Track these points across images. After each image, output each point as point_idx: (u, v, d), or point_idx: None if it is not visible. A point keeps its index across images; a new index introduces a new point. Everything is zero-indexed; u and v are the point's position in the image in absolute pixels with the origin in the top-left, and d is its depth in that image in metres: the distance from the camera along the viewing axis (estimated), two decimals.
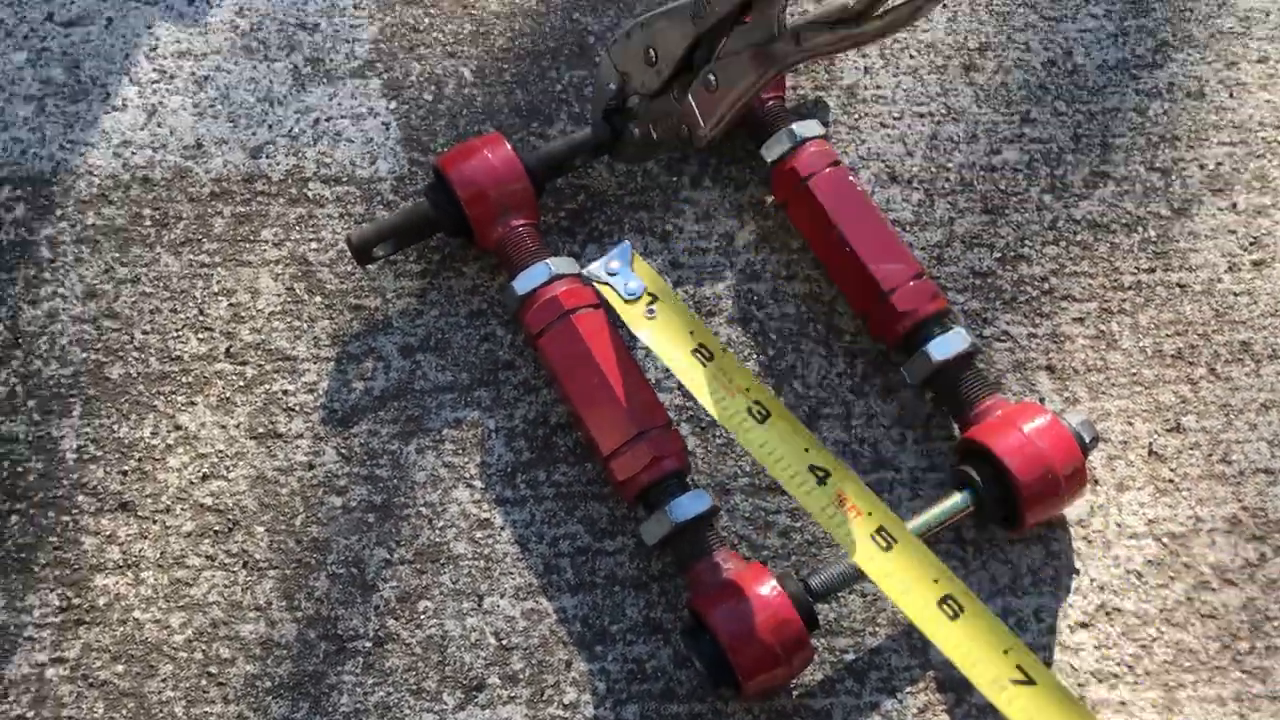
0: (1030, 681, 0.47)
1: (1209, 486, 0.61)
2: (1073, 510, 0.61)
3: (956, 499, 0.57)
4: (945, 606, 0.48)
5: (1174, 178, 0.68)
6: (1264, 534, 0.60)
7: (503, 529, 0.60)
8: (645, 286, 0.57)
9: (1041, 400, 0.63)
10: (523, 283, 0.61)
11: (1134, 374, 0.64)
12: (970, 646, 0.48)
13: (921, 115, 0.70)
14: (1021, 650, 0.49)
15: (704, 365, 0.54)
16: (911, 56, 0.71)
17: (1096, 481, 0.61)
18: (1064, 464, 0.56)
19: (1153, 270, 0.66)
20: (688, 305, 0.64)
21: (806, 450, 0.53)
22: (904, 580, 0.51)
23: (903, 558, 0.51)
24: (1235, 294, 0.66)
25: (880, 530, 0.51)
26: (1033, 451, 0.56)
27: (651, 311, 0.55)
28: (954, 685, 0.57)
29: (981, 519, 0.59)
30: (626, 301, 0.57)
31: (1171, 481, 0.61)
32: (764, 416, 0.53)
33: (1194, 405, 0.63)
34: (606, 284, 0.58)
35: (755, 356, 0.64)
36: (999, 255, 0.66)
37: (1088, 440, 0.58)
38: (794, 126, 0.63)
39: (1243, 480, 0.61)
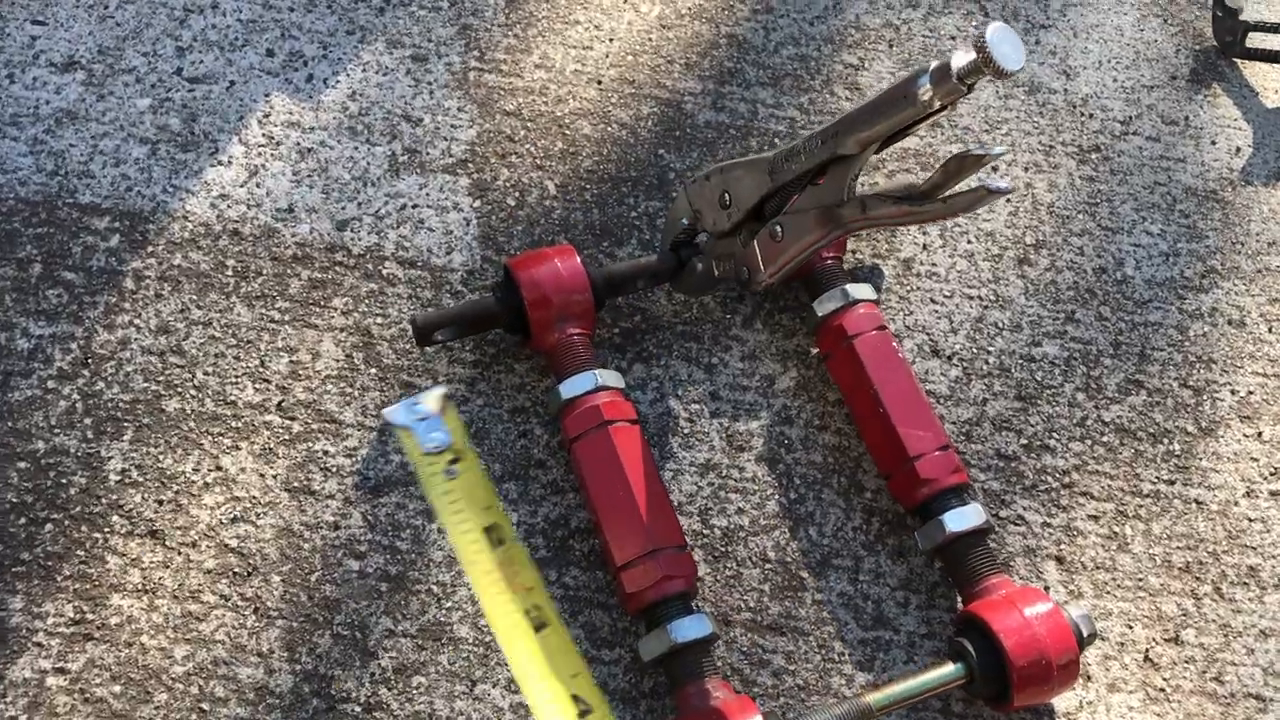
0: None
1: (1199, 702, 0.62)
2: (1061, 701, 0.62)
3: (950, 669, 0.58)
4: None
5: (1205, 398, 0.71)
6: None
7: None
8: (452, 442, 0.51)
9: (1047, 589, 0.65)
10: (569, 388, 0.63)
11: (1140, 579, 0.65)
12: None
13: (971, 297, 0.73)
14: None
15: (492, 549, 0.49)
16: (969, 242, 0.75)
17: (1089, 678, 0.62)
18: (1059, 653, 0.58)
19: (1172, 483, 0.68)
20: (719, 436, 0.67)
21: (574, 676, 0.49)
22: None
23: None
24: (1250, 519, 0.67)
25: None
26: (1030, 635, 0.57)
27: (452, 472, 0.49)
28: None
29: (972, 693, 0.60)
30: (425, 454, 0.50)
31: (1163, 691, 0.62)
32: (540, 625, 0.49)
33: (1195, 620, 0.64)
34: (407, 430, 0.51)
35: (776, 497, 0.66)
36: (1025, 442, 0.69)
37: (1085, 634, 0.59)
38: (848, 287, 0.67)
39: (1233, 702, 0.62)
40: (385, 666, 0.60)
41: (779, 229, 0.60)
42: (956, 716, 0.61)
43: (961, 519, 0.61)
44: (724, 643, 0.62)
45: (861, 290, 0.67)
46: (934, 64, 0.50)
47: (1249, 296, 0.75)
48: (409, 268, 0.71)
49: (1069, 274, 0.74)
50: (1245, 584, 0.65)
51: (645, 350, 0.70)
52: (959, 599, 0.63)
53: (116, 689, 0.59)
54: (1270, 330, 0.73)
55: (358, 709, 0.59)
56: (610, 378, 0.64)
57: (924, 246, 0.74)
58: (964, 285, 0.73)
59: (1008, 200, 0.76)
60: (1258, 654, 0.63)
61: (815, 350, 0.70)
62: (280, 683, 0.60)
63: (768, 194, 0.60)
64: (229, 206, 0.72)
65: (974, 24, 0.83)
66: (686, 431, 0.68)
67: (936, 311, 0.72)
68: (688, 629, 0.58)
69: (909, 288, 0.73)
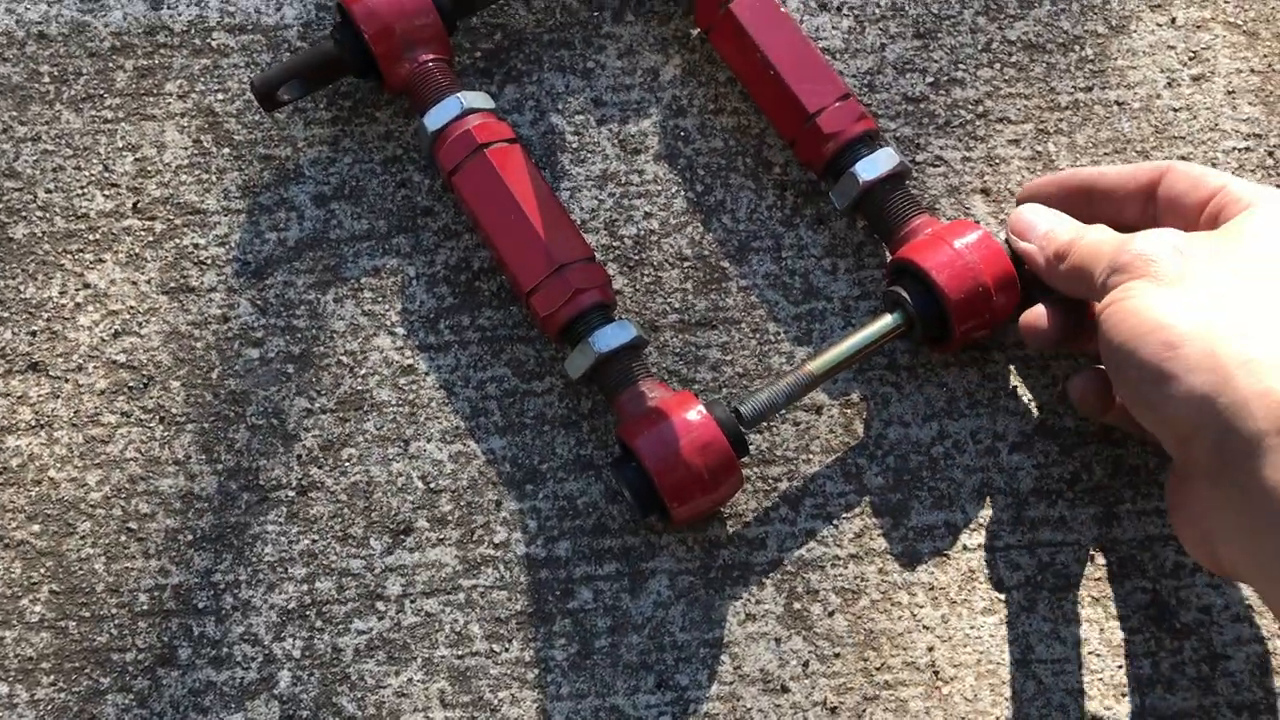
0: None
1: None
2: (1008, 335, 0.59)
3: (886, 319, 0.56)
4: None
5: None
6: None
7: (427, 375, 0.59)
8: None
9: (978, 223, 0.61)
10: (433, 118, 0.58)
11: None
12: None
13: None
14: None
15: None
16: None
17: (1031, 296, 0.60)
18: (996, 278, 0.55)
19: (1090, 89, 0.64)
20: (611, 144, 0.62)
21: None
22: None
23: None
24: (1175, 110, 0.64)
25: None
26: (962, 265, 0.55)
27: None
28: (890, 510, 0.57)
29: (914, 340, 0.58)
30: None
31: None
32: None
33: None
34: None
35: (682, 193, 0.62)
36: (932, 80, 0.64)
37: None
38: None
39: None
40: (311, 446, 0.57)
41: None
42: (904, 369, 0.59)
43: (873, 166, 0.57)
44: (656, 349, 0.59)
45: None
46: None
47: None
48: (239, 34, 0.64)
49: None
50: None
51: (513, 69, 0.64)
52: (887, 253, 0.60)
53: (35, 528, 0.56)
54: None
55: (291, 493, 0.57)
56: (477, 99, 0.59)
57: None
58: None
59: None
60: None
61: (696, 31, 0.64)
62: (205, 486, 0.57)
63: None
64: (26, 8, 0.64)
65: None
66: (575, 146, 0.63)
67: None
68: (610, 337, 0.55)
69: None
